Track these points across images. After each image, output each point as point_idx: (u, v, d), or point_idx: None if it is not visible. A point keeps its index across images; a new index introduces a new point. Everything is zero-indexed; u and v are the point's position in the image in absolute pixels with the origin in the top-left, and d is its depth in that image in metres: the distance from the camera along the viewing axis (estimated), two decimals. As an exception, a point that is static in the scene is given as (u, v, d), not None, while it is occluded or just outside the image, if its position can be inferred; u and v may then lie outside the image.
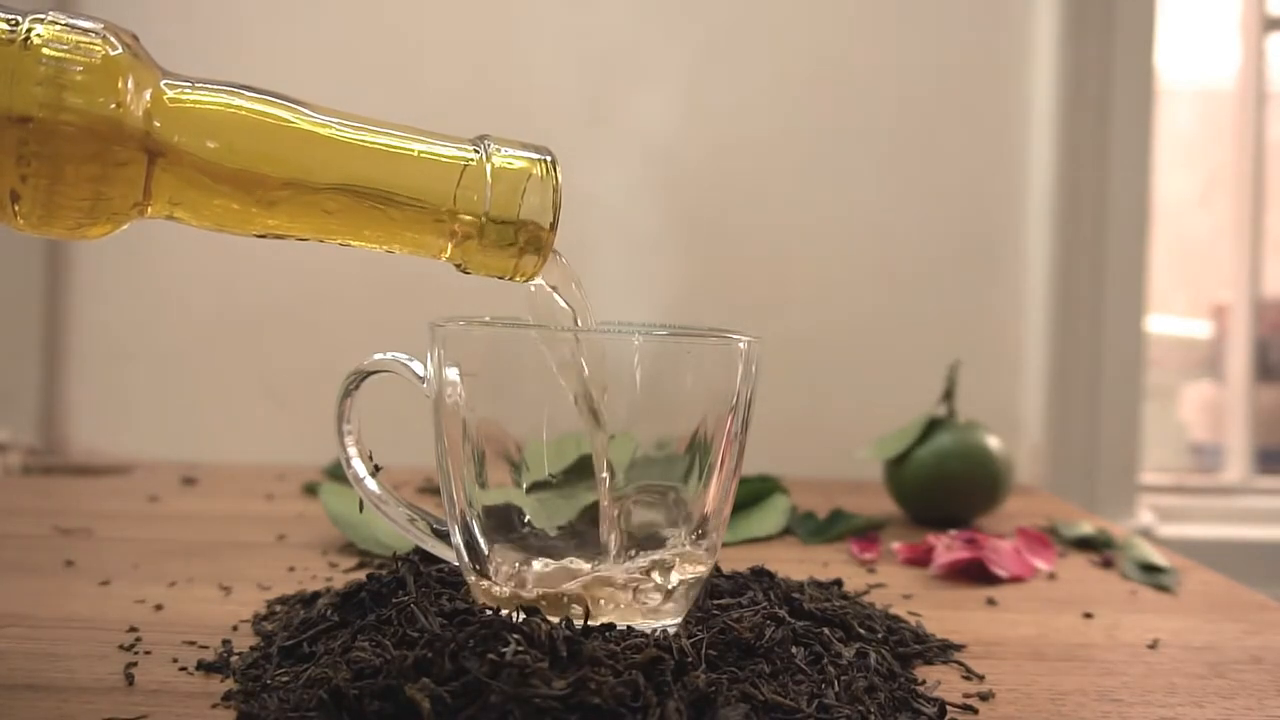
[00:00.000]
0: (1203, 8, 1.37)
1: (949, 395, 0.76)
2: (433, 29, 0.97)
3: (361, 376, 0.42)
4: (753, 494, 0.72)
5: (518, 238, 0.37)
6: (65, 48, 0.32)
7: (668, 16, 0.98)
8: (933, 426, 0.74)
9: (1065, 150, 0.99)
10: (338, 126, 0.36)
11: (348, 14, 0.98)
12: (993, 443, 0.73)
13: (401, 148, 0.36)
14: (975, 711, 0.38)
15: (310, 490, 0.78)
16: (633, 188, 0.97)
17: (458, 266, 0.38)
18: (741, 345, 0.40)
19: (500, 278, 0.38)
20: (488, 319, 0.42)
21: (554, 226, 0.37)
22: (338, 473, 0.78)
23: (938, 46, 1.00)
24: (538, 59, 0.97)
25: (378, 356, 0.42)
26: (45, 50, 0.32)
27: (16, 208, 0.32)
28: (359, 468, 0.43)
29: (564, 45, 0.98)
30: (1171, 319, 1.51)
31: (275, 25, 0.97)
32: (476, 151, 0.37)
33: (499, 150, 0.37)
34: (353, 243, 0.37)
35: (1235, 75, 1.23)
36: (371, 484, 0.43)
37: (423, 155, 0.36)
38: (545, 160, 0.37)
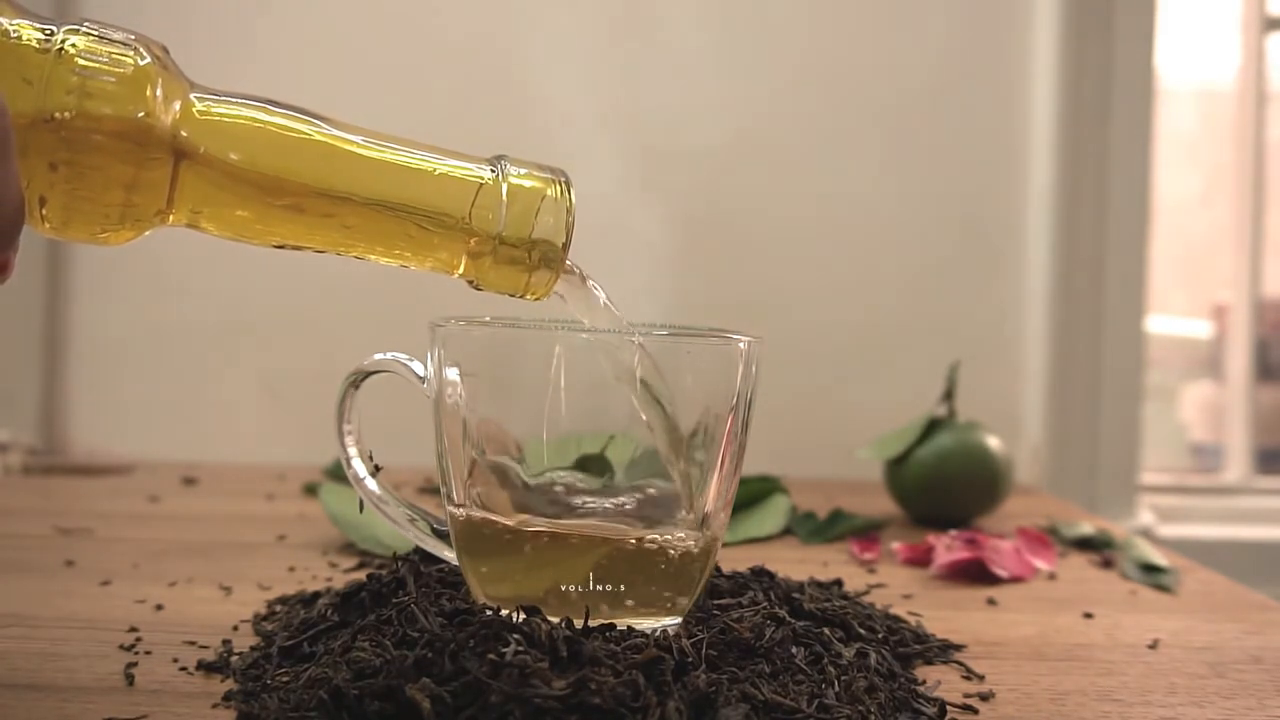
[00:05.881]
0: (1203, 8, 1.37)
1: (949, 395, 0.76)
2: (436, 30, 0.97)
3: (361, 376, 0.42)
4: (753, 494, 0.72)
5: (531, 256, 0.38)
6: (98, 58, 0.33)
7: (669, 15, 0.98)
8: (933, 426, 0.74)
9: (1065, 150, 0.99)
10: (360, 144, 0.36)
11: (357, 17, 0.98)
12: (993, 443, 0.73)
13: (420, 166, 0.37)
14: (975, 711, 0.38)
15: (310, 490, 0.78)
16: (632, 188, 0.97)
17: (470, 283, 0.39)
18: (741, 345, 0.40)
19: (512, 295, 0.39)
20: (488, 319, 0.42)
21: (567, 246, 0.38)
22: (338, 473, 0.78)
23: (938, 47, 1.00)
24: (540, 59, 0.97)
25: (378, 356, 0.42)
26: (79, 60, 0.32)
27: (44, 212, 0.33)
28: (359, 468, 0.43)
29: (566, 46, 0.98)
30: (1171, 319, 1.51)
31: (288, 29, 0.97)
32: (493, 170, 0.38)
33: (515, 170, 0.38)
34: (368, 257, 0.38)
35: (1235, 75, 1.22)
36: (371, 484, 0.43)
37: (440, 174, 0.37)
38: (560, 181, 0.38)
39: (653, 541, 0.39)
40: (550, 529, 0.39)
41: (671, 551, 0.39)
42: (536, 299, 0.39)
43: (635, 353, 0.38)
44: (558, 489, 0.40)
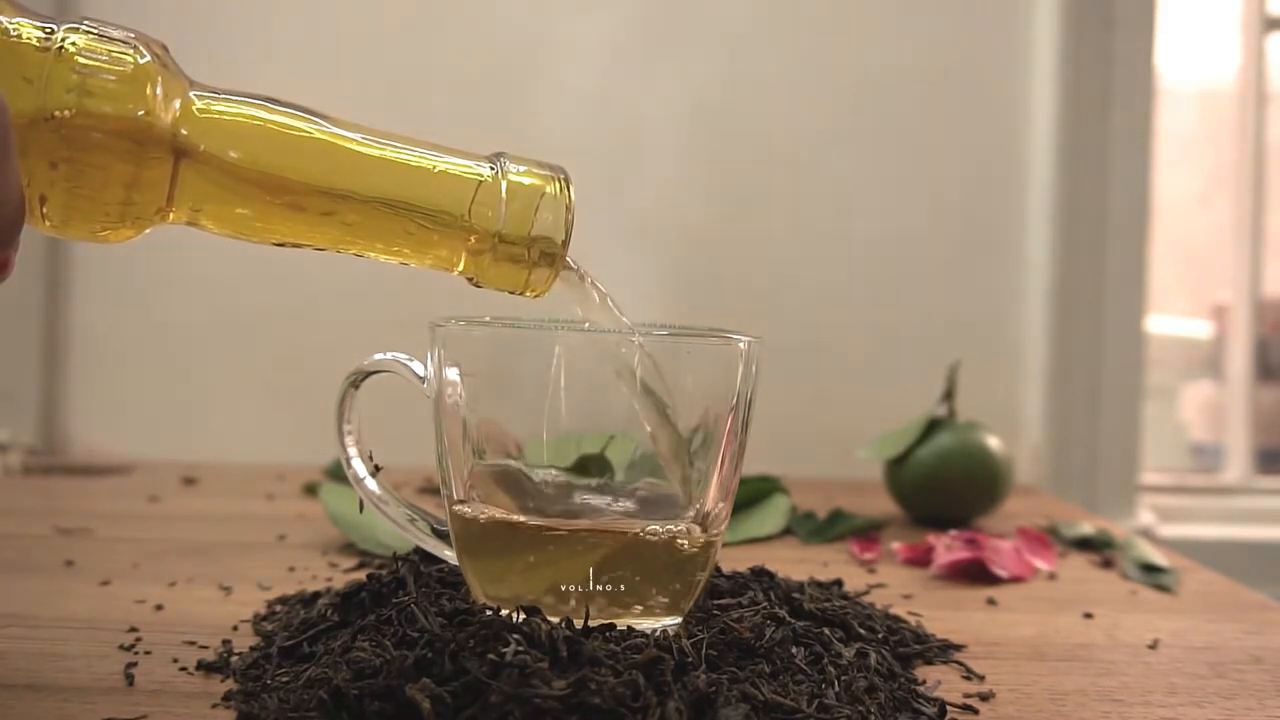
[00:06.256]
0: (1203, 8, 1.37)
1: (949, 395, 0.76)
2: (440, 28, 0.97)
3: (361, 376, 0.42)
4: (753, 494, 0.72)
5: (530, 253, 0.38)
6: (98, 56, 0.33)
7: (672, 17, 0.98)
8: (933, 426, 0.74)
9: (1065, 150, 0.99)
10: (359, 141, 0.36)
11: (363, 18, 0.98)
12: (993, 443, 0.73)
13: (420, 163, 0.37)
14: (975, 711, 0.38)
15: (310, 490, 0.78)
16: (631, 188, 0.97)
17: (470, 280, 0.39)
18: (741, 345, 0.40)
19: (512, 292, 0.39)
20: (488, 319, 0.42)
21: (566, 243, 0.38)
22: (338, 473, 0.78)
23: (938, 47, 1.00)
24: (544, 60, 0.97)
25: (378, 356, 0.42)
26: (79, 59, 0.32)
27: (44, 210, 0.33)
28: (359, 468, 0.43)
29: (569, 46, 0.98)
30: (1171, 319, 1.51)
31: (288, 27, 0.97)
32: (492, 168, 0.38)
33: (514, 167, 0.38)
34: (368, 254, 0.38)
35: (1235, 75, 1.22)
36: (371, 484, 0.43)
37: (439, 171, 0.37)
38: (559, 178, 0.38)
39: (653, 540, 0.39)
40: (550, 528, 0.39)
41: (671, 551, 0.39)
42: (536, 296, 0.39)
43: (635, 352, 0.38)
44: (557, 489, 0.40)
